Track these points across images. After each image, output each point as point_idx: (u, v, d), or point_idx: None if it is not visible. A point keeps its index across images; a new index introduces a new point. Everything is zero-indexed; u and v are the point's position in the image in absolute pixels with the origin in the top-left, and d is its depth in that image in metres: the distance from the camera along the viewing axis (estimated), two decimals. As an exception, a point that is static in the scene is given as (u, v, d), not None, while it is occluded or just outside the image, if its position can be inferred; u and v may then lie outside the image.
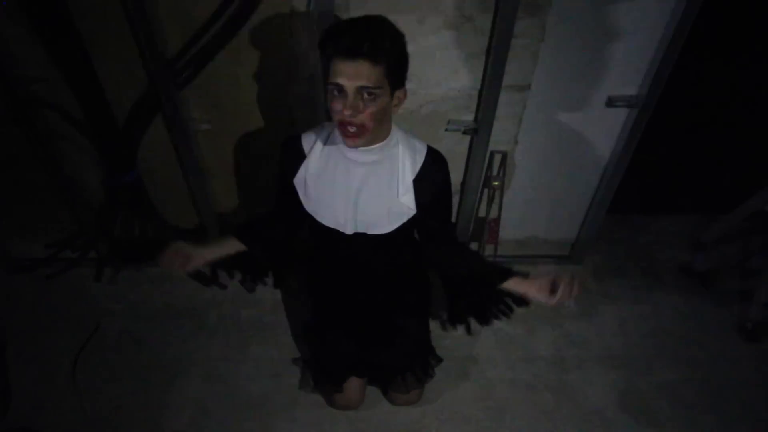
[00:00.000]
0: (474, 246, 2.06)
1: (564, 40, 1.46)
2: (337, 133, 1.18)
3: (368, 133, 1.10)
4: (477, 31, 1.43)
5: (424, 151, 1.24)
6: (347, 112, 1.05)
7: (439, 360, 1.60)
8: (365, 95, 1.05)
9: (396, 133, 1.20)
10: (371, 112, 1.06)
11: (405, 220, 1.25)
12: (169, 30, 1.42)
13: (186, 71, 1.49)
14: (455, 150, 1.70)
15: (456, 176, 1.80)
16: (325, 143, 1.23)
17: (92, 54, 1.46)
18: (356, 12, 1.37)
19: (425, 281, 1.57)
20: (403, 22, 1.39)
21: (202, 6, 1.38)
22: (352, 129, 1.08)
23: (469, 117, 1.63)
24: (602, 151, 1.75)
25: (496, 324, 1.86)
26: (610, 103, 1.60)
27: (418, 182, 1.22)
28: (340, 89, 1.05)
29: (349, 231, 1.25)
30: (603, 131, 1.69)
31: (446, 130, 1.65)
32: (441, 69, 1.51)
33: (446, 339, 1.79)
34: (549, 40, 1.46)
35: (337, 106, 1.06)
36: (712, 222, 2.13)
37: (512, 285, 1.26)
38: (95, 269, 1.98)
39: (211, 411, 1.60)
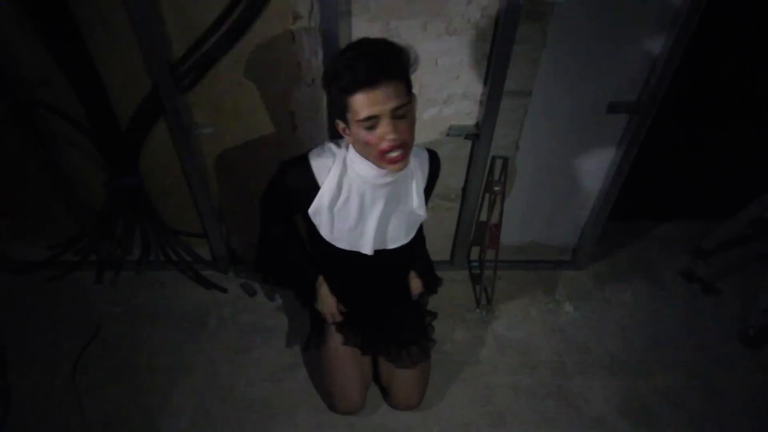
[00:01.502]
0: (475, 251, 2.06)
1: (565, 46, 1.47)
2: (353, 159, 1.15)
3: (409, 149, 1.08)
4: (479, 36, 1.44)
5: (427, 158, 1.27)
6: (393, 136, 1.01)
7: (432, 329, 1.65)
8: (398, 114, 1.02)
9: None
10: (407, 127, 1.05)
11: (418, 227, 1.32)
12: (172, 34, 1.43)
13: (189, 75, 1.50)
14: (457, 155, 1.71)
15: (457, 181, 1.80)
16: (340, 172, 1.18)
17: (95, 57, 1.47)
18: (359, 16, 1.38)
19: None
20: (406, 28, 1.41)
21: (205, 11, 1.39)
22: (396, 153, 1.04)
23: (471, 122, 1.64)
24: (603, 156, 1.75)
25: (498, 330, 1.87)
26: (611, 109, 1.61)
27: (426, 189, 1.30)
28: (373, 121, 1.01)
29: (370, 252, 1.28)
30: (604, 137, 1.70)
31: (448, 135, 1.65)
32: (443, 74, 1.51)
33: (447, 344, 1.79)
34: (550, 47, 1.47)
35: (374, 138, 1.03)
36: (713, 228, 2.13)
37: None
38: (96, 272, 1.98)
39: (211, 414, 1.59)
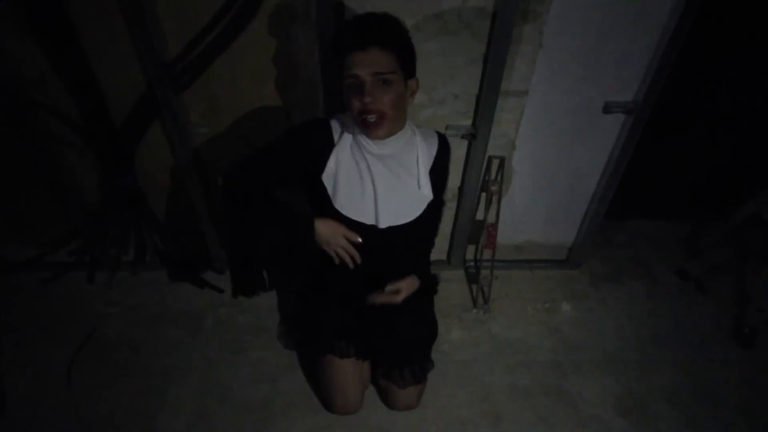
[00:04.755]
0: (471, 250, 2.06)
1: (561, 46, 1.47)
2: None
3: (388, 121, 1.13)
4: (475, 36, 1.44)
5: (437, 140, 1.29)
6: (367, 99, 1.09)
7: (432, 365, 1.58)
8: (381, 82, 1.09)
9: (410, 125, 1.25)
10: (389, 98, 1.11)
11: (425, 206, 1.29)
12: (168, 33, 1.42)
13: (185, 75, 1.49)
14: (453, 155, 1.69)
15: (454, 181, 1.80)
16: (352, 137, 1.24)
17: (90, 56, 1.46)
18: (355, 17, 1.38)
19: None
20: (402, 28, 1.40)
21: (201, 10, 1.39)
22: (371, 118, 1.11)
23: (467, 122, 1.64)
24: (599, 156, 1.76)
25: (494, 329, 1.87)
26: (607, 109, 1.61)
27: (432, 171, 1.29)
28: (357, 81, 1.09)
29: (381, 225, 1.26)
30: (600, 137, 1.70)
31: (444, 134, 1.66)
32: (439, 74, 1.51)
33: (444, 343, 1.79)
34: (546, 47, 1.47)
35: (356, 100, 1.10)
36: (708, 227, 2.14)
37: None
38: (87, 272, 1.97)
39: (207, 415, 1.59)
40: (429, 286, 1.58)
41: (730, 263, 2.14)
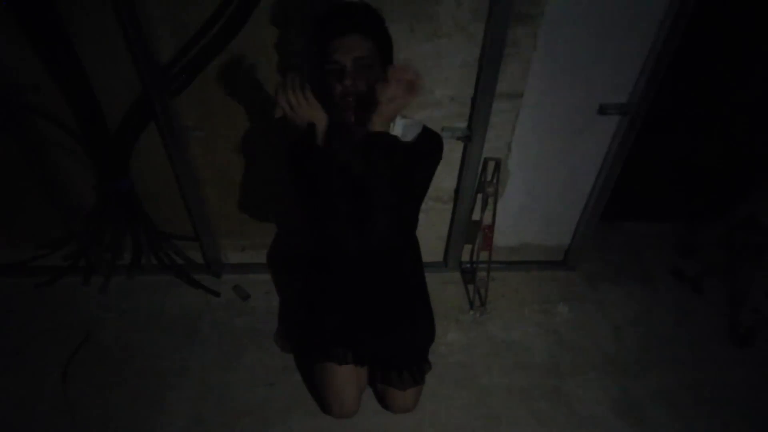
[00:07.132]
0: (467, 252, 2.06)
1: (556, 48, 1.48)
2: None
3: (365, 103, 1.17)
4: (469, 39, 1.45)
5: (420, 127, 1.26)
6: (347, 82, 1.14)
7: (429, 367, 1.59)
8: (361, 67, 1.15)
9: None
10: (369, 80, 1.15)
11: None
12: (162, 36, 1.42)
13: (180, 78, 1.49)
14: (449, 157, 1.71)
15: (450, 183, 1.80)
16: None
17: (85, 60, 1.46)
18: (350, 20, 1.38)
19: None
20: (394, 31, 1.41)
21: (196, 13, 1.39)
22: (351, 98, 1.16)
23: (463, 124, 1.64)
24: (595, 157, 1.76)
25: (491, 331, 1.87)
26: (602, 110, 1.62)
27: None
28: (338, 66, 1.14)
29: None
30: (595, 138, 1.71)
31: (440, 137, 1.66)
32: (433, 77, 1.52)
33: (441, 346, 1.79)
34: (541, 49, 1.48)
35: (338, 84, 1.16)
36: (703, 227, 2.15)
37: None
38: (83, 275, 1.96)
39: (204, 420, 1.58)
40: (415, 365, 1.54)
41: (725, 264, 2.15)
